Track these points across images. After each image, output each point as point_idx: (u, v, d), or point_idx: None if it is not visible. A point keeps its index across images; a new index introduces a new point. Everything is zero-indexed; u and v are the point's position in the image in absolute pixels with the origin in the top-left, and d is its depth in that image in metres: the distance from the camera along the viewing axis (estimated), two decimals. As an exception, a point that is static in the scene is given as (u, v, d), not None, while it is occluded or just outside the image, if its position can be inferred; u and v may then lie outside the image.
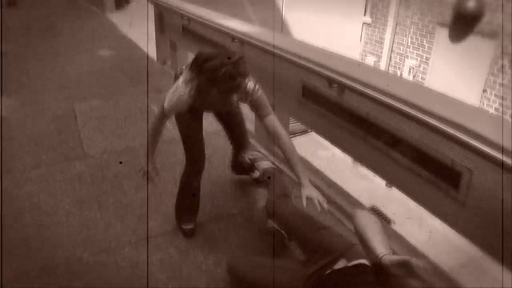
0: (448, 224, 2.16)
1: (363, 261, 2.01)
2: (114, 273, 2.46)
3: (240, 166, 3.14)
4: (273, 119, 2.26)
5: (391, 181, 2.48)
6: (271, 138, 2.28)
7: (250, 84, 2.21)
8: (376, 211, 5.23)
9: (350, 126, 2.60)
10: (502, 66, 6.09)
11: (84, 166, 3.56)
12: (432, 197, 2.19)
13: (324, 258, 2.07)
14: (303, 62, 2.81)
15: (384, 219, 5.15)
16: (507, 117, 6.23)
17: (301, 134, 5.89)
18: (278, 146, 2.27)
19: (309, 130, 4.46)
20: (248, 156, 3.00)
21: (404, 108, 2.13)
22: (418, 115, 2.07)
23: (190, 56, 5.50)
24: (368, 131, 2.49)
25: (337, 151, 4.33)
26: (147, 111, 3.78)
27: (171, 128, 3.10)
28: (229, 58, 2.03)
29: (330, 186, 3.11)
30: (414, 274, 1.50)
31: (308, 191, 2.15)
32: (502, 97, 6.03)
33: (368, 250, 1.72)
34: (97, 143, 3.91)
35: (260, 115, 2.28)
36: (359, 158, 2.69)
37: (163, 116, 2.36)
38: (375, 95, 2.28)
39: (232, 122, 2.82)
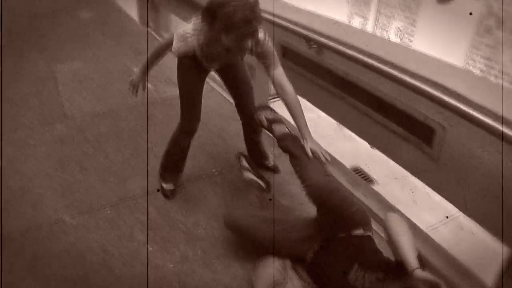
0: (422, 180, 2.22)
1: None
2: (95, 235, 2.48)
3: (255, 145, 2.93)
4: (281, 72, 2.20)
5: (369, 139, 2.51)
6: (277, 92, 2.24)
7: (261, 33, 2.13)
8: (359, 172, 5.30)
9: (329, 86, 2.61)
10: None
11: (65, 128, 3.55)
12: (407, 154, 2.24)
13: (342, 226, 2.13)
14: (282, 22, 2.77)
15: (367, 179, 5.24)
16: (491, 76, 6.26)
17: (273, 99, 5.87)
18: (284, 99, 2.23)
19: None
20: (264, 115, 2.60)
21: (381, 67, 2.14)
22: (395, 73, 2.08)
23: (174, 18, 5.41)
24: (346, 91, 2.50)
25: (322, 113, 4.34)
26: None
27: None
28: (244, 2, 1.94)
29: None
30: None
31: (311, 144, 2.19)
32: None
33: (399, 256, 1.76)
34: (78, 105, 3.88)
35: (268, 66, 2.20)
36: (338, 117, 2.71)
37: (167, 46, 2.31)
38: (353, 54, 2.28)
39: (237, 78, 2.62)
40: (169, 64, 4.73)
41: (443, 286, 1.56)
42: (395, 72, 2.07)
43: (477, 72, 6.48)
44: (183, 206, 2.69)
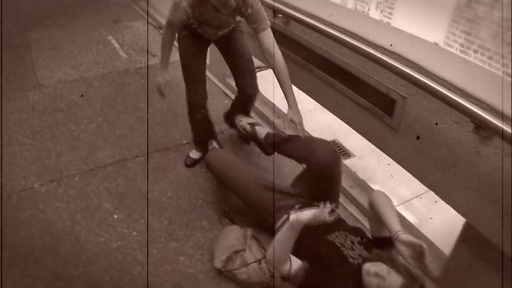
0: (383, 150, 2.26)
1: None
2: (63, 203, 2.50)
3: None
4: (270, 34, 2.14)
5: (334, 110, 2.54)
6: (265, 57, 2.19)
7: None
8: (337, 145, 5.35)
9: (296, 57, 2.61)
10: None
11: (37, 96, 3.52)
12: (370, 124, 2.27)
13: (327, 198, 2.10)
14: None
15: (344, 153, 5.29)
16: (470, 51, 6.28)
17: (259, 70, 5.84)
18: (271, 65, 2.18)
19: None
20: (246, 121, 2.67)
21: (345, 38, 2.14)
22: (358, 45, 2.08)
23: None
24: (312, 62, 2.51)
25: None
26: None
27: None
28: None
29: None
30: (419, 259, 1.62)
31: (293, 113, 2.20)
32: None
33: (383, 225, 1.80)
34: (51, 73, 3.84)
35: (256, 28, 2.14)
36: (304, 88, 2.72)
37: (168, 26, 2.26)
38: (318, 25, 2.27)
39: (236, 52, 2.52)
40: (144, 34, 4.71)
41: (425, 248, 1.61)
42: (358, 44, 2.07)
43: (457, 46, 6.50)
44: (151, 176, 2.70)
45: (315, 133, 3.26)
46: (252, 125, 2.57)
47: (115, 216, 2.43)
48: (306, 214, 1.76)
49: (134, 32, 4.77)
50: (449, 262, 2.06)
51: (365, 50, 2.03)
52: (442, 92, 1.74)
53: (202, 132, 2.73)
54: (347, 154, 5.24)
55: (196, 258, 2.19)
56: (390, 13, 7.56)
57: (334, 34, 2.17)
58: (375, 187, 4.55)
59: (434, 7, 6.68)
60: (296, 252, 1.82)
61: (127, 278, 2.09)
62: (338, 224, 2.00)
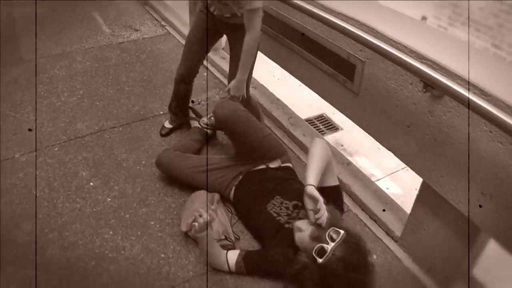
0: (345, 114, 2.31)
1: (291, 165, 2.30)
2: (42, 172, 2.56)
3: None
4: (258, 12, 2.10)
5: (300, 77, 2.58)
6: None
7: None
8: (325, 119, 5.39)
9: (264, 26, 2.64)
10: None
11: (20, 70, 3.55)
12: (332, 89, 2.32)
13: (260, 159, 2.28)
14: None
15: (332, 126, 5.33)
16: (458, 23, 6.26)
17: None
18: (247, 37, 2.16)
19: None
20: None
21: (306, 6, 2.17)
22: (319, 12, 2.11)
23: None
24: (278, 31, 2.55)
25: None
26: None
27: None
28: None
29: (272, 102, 3.18)
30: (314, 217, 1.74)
31: (234, 83, 2.29)
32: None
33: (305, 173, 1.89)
34: (34, 48, 3.87)
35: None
36: (273, 56, 2.76)
37: None
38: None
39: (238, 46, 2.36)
40: (128, 9, 4.72)
41: (320, 206, 1.71)
42: (320, 12, 2.10)
43: (444, 19, 6.47)
44: (128, 145, 2.76)
45: (304, 107, 3.31)
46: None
47: (91, 183, 2.49)
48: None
49: (118, 8, 4.77)
50: (408, 222, 2.12)
51: (324, 17, 2.06)
52: (395, 55, 1.77)
53: (176, 102, 2.78)
54: (334, 128, 5.29)
55: (166, 222, 2.26)
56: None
57: (298, 4, 2.20)
58: (361, 159, 4.62)
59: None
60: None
61: (99, 241, 2.16)
62: (276, 190, 2.10)
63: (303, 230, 1.81)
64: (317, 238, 1.71)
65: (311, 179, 1.80)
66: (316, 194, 1.74)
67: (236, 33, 2.33)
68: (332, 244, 1.66)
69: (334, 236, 1.68)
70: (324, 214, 1.74)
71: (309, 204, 1.78)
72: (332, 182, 2.03)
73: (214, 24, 2.43)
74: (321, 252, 1.65)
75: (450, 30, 6.19)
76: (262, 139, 2.27)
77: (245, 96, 2.38)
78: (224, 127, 2.35)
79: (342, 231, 1.69)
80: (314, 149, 1.95)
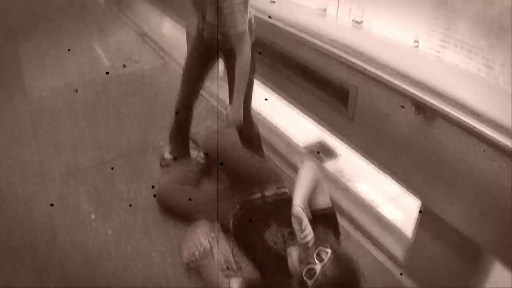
0: (342, 139, 2.34)
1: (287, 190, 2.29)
2: (43, 205, 2.57)
3: None
4: (244, 36, 2.13)
5: (294, 103, 2.62)
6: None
7: None
8: (322, 146, 5.40)
9: (260, 56, 2.69)
10: None
11: (23, 103, 3.62)
12: (328, 115, 2.35)
13: (254, 186, 2.29)
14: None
15: (331, 154, 5.33)
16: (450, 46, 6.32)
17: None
18: (237, 61, 2.20)
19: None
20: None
21: (299, 34, 2.22)
22: (312, 40, 2.16)
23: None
24: (273, 58, 2.60)
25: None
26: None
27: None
28: None
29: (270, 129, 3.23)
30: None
31: (231, 108, 2.32)
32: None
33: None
34: (38, 81, 3.94)
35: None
36: (268, 84, 2.81)
37: None
38: (278, 24, 2.36)
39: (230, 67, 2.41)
40: (127, 41, 4.82)
41: (304, 227, 1.70)
42: (313, 40, 2.15)
43: (437, 42, 6.53)
44: (129, 176, 2.78)
45: (302, 134, 3.33)
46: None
47: (93, 216, 2.50)
48: None
49: (118, 40, 4.87)
50: (410, 246, 2.12)
51: (316, 44, 2.11)
52: (386, 80, 1.81)
53: (177, 130, 2.81)
54: (333, 154, 5.30)
55: (167, 253, 2.26)
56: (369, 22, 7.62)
57: (292, 32, 2.25)
58: (361, 185, 4.61)
59: (407, 7, 6.74)
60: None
61: (100, 274, 2.16)
62: (272, 219, 2.11)
63: (293, 255, 1.80)
64: (305, 259, 1.69)
65: (297, 200, 1.81)
66: (301, 214, 1.74)
67: (230, 57, 2.36)
68: (320, 264, 1.64)
69: (323, 255, 1.67)
70: (309, 234, 1.72)
71: (295, 224, 1.76)
72: (324, 204, 2.03)
73: (208, 49, 2.47)
74: (311, 273, 1.64)
75: (443, 53, 6.24)
76: (252, 166, 2.29)
77: (241, 122, 2.40)
78: (213, 158, 2.38)
79: (329, 250, 1.68)
80: (302, 171, 1.98)
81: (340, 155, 5.10)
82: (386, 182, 4.42)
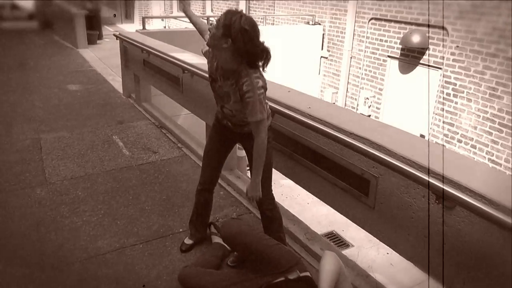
0: (362, 227, 2.42)
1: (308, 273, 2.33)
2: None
3: None
4: (263, 122, 2.29)
5: (316, 193, 2.73)
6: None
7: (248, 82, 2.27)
8: (335, 236, 5.45)
9: (279, 145, 2.87)
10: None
11: (44, 192, 3.72)
12: (349, 204, 2.45)
13: (277, 269, 2.32)
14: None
15: (342, 244, 5.37)
16: (455, 141, 6.60)
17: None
18: (255, 144, 2.35)
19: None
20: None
21: (320, 127, 2.40)
22: (333, 132, 2.34)
23: (153, 90, 5.78)
24: (294, 150, 2.77)
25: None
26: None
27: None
28: None
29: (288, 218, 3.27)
30: None
31: (250, 185, 2.46)
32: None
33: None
34: (58, 171, 4.08)
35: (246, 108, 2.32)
36: (289, 175, 2.94)
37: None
38: (298, 116, 2.56)
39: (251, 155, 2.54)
40: (146, 133, 5.05)
41: None
42: (334, 132, 2.33)
43: (441, 137, 6.86)
44: (149, 261, 2.82)
45: (314, 225, 3.43)
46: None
47: (113, 301, 2.52)
48: None
49: (137, 132, 5.11)
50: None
51: (338, 137, 2.28)
52: (407, 170, 1.95)
53: (198, 213, 2.91)
54: (345, 245, 5.33)
55: None
56: (378, 108, 8.06)
57: (314, 125, 2.44)
58: (375, 276, 4.58)
59: (417, 99, 7.18)
60: None
61: None
62: None
63: None
64: None
65: None
66: None
67: (247, 140, 2.55)
68: None
69: None
70: None
71: None
72: None
73: (227, 134, 2.65)
74: None
75: (448, 147, 6.52)
76: (271, 249, 2.36)
77: (260, 196, 2.48)
78: (232, 244, 2.50)
79: None
80: (324, 262, 2.05)
81: (352, 245, 5.15)
82: (399, 273, 4.42)
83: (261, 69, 2.31)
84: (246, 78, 2.26)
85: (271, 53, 2.25)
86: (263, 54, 2.25)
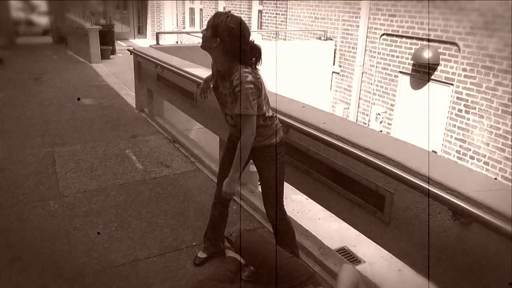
0: (377, 243, 2.41)
1: None
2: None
3: None
4: (251, 118, 2.32)
5: (330, 208, 2.73)
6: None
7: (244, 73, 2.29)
8: (346, 252, 5.41)
9: (293, 161, 2.88)
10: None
11: (57, 204, 3.76)
12: (364, 219, 2.45)
13: (291, 283, 2.32)
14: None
15: (354, 259, 5.33)
16: (467, 157, 6.56)
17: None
18: (241, 138, 2.36)
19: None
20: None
21: (336, 142, 2.41)
22: (348, 148, 2.35)
23: (166, 104, 5.85)
24: (309, 165, 2.77)
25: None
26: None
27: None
28: None
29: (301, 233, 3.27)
30: None
31: (226, 181, 2.46)
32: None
33: None
34: (72, 184, 4.13)
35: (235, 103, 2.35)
36: (304, 190, 2.94)
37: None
38: (312, 132, 2.57)
39: (261, 178, 2.64)
40: (159, 147, 5.10)
41: None
42: (349, 147, 2.34)
43: (454, 153, 6.83)
44: (162, 274, 2.83)
45: (325, 240, 3.42)
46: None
47: (126, 314, 2.52)
48: None
49: (150, 146, 5.16)
50: None
51: (352, 152, 2.29)
52: (422, 186, 1.95)
53: (212, 227, 2.92)
54: (357, 261, 5.29)
55: None
56: (389, 124, 8.06)
57: (328, 140, 2.45)
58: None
59: (428, 115, 7.16)
60: None
61: None
62: None
63: None
64: None
65: None
66: None
67: (259, 157, 2.55)
68: None
69: None
70: None
71: None
72: None
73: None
74: None
75: (460, 164, 6.49)
76: (286, 261, 2.36)
77: (235, 195, 2.52)
78: (248, 255, 2.53)
79: None
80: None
81: (364, 262, 5.11)
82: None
83: (254, 66, 2.36)
84: (236, 73, 2.31)
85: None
86: (253, 51, 2.33)
